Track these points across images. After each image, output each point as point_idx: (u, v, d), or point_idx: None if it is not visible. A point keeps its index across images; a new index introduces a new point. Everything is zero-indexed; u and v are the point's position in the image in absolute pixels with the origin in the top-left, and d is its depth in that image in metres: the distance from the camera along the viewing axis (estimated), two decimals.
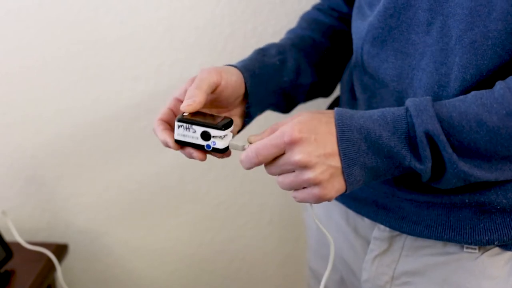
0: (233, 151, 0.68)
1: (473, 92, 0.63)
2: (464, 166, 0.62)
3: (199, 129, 0.66)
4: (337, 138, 0.62)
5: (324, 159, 0.61)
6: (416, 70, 0.70)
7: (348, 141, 0.62)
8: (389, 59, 0.73)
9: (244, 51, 0.91)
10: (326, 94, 0.93)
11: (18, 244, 1.14)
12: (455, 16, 0.66)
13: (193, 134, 0.66)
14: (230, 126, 0.67)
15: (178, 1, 1.12)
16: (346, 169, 0.62)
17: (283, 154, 0.62)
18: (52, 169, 1.24)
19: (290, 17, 1.10)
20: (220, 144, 0.66)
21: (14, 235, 1.13)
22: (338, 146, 0.62)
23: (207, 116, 0.67)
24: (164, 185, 1.27)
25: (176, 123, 0.66)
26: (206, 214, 1.30)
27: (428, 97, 0.63)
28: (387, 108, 0.65)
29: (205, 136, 0.66)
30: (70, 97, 1.18)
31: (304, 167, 0.61)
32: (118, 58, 1.16)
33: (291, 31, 0.92)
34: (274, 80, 0.80)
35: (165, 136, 0.68)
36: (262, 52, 0.81)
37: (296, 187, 0.63)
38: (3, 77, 1.17)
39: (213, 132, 0.65)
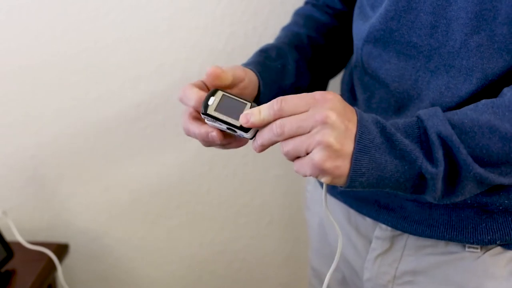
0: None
1: (483, 101, 0.63)
2: (479, 169, 0.61)
3: (224, 125, 0.65)
4: (357, 121, 0.59)
5: (345, 131, 0.58)
6: (422, 72, 0.70)
7: (365, 127, 0.59)
8: (392, 60, 0.73)
9: (245, 51, 0.91)
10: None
11: (18, 244, 1.14)
12: (458, 20, 0.66)
13: (220, 126, 0.65)
14: None
15: (179, 1, 1.12)
16: (356, 154, 0.58)
17: (306, 111, 0.59)
18: (53, 169, 1.24)
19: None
20: (247, 135, 0.65)
21: (15, 235, 1.13)
22: (357, 129, 0.59)
23: (234, 104, 0.66)
24: (164, 185, 1.27)
25: (202, 116, 0.65)
26: (206, 214, 1.30)
27: (436, 106, 0.63)
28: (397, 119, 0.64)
29: (231, 130, 0.65)
30: (71, 97, 1.18)
31: (328, 124, 0.57)
32: (118, 58, 1.16)
33: (286, 28, 0.91)
34: (277, 84, 0.79)
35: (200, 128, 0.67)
36: (263, 54, 0.81)
37: (299, 149, 0.59)
38: (3, 77, 1.17)
39: (237, 131, 0.65)
